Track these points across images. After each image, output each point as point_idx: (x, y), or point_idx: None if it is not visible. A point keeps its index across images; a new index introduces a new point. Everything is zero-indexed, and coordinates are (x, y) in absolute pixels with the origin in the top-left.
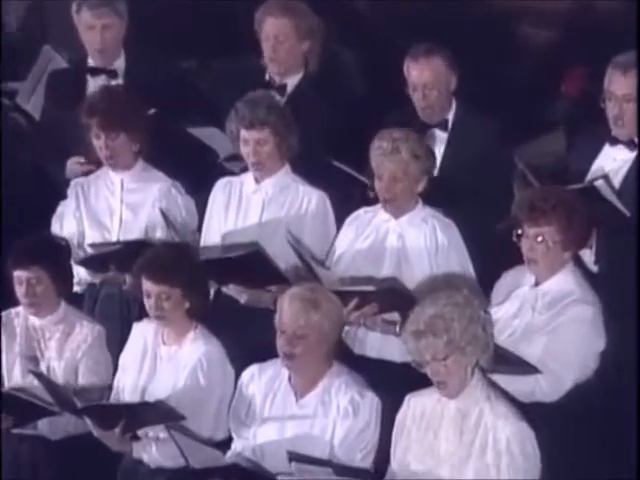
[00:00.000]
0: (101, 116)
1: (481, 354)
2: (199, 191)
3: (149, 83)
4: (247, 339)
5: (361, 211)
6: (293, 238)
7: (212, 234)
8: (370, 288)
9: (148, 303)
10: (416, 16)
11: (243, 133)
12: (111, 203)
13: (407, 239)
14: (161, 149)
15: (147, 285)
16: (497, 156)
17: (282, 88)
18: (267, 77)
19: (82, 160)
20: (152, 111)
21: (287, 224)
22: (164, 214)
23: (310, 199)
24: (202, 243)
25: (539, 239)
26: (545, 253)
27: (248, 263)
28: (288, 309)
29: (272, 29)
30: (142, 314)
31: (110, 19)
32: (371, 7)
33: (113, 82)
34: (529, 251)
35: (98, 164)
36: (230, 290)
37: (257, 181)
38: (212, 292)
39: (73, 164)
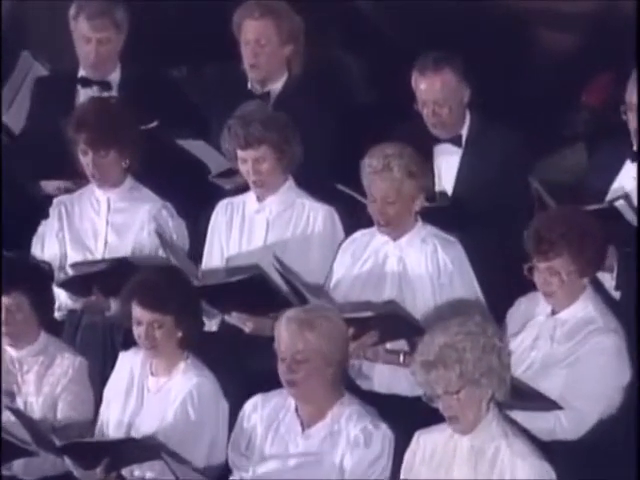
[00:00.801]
0: (90, 131)
1: (497, 387)
2: (191, 210)
3: (144, 95)
4: (252, 370)
5: (358, 234)
6: (280, 264)
7: (214, 258)
8: (368, 314)
9: (138, 331)
10: (425, 19)
11: (239, 152)
12: (96, 224)
13: (407, 262)
14: (151, 164)
15: (138, 312)
16: (515, 173)
17: (265, 96)
18: (249, 85)
19: (59, 184)
20: (154, 124)
21: (279, 247)
22: (161, 236)
23: (317, 215)
24: (203, 268)
25: (552, 272)
26: (561, 285)
27: (250, 288)
28: (284, 333)
29: (252, 32)
30: (127, 343)
31: (107, 33)
32: (375, 8)
33: (105, 94)
34: (543, 285)
35: (81, 179)
36: (233, 319)
37: (259, 199)
38: (216, 323)
39: (48, 185)
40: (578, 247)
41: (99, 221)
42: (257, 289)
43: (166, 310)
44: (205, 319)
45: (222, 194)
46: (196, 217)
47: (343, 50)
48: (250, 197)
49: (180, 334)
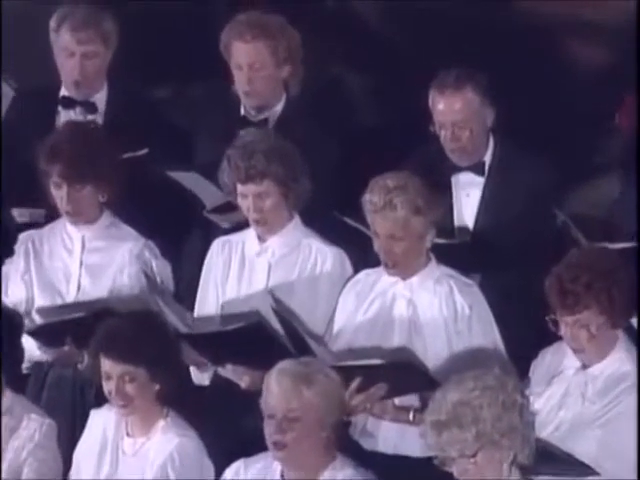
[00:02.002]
0: (65, 163)
1: (519, 448)
2: (180, 250)
3: (131, 119)
4: (247, 430)
5: (362, 274)
6: (281, 306)
7: (209, 303)
8: (377, 362)
9: (108, 387)
10: (441, 33)
11: (239, 187)
12: (68, 264)
13: (419, 305)
14: (133, 197)
15: (107, 365)
16: (543, 206)
17: (262, 124)
18: (242, 111)
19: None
20: (144, 151)
21: (281, 293)
22: (148, 278)
23: (325, 259)
24: (196, 314)
25: (579, 326)
26: (590, 340)
27: (248, 337)
28: (276, 388)
29: (244, 57)
30: (99, 401)
31: (93, 46)
32: (381, 19)
33: (90, 117)
34: (571, 340)
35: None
36: (228, 372)
37: (261, 239)
38: (209, 376)
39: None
40: (607, 297)
41: (72, 261)
42: (256, 339)
43: (138, 361)
44: (195, 371)
45: (217, 232)
46: (187, 258)
47: (346, 66)
48: (250, 236)
49: (157, 388)
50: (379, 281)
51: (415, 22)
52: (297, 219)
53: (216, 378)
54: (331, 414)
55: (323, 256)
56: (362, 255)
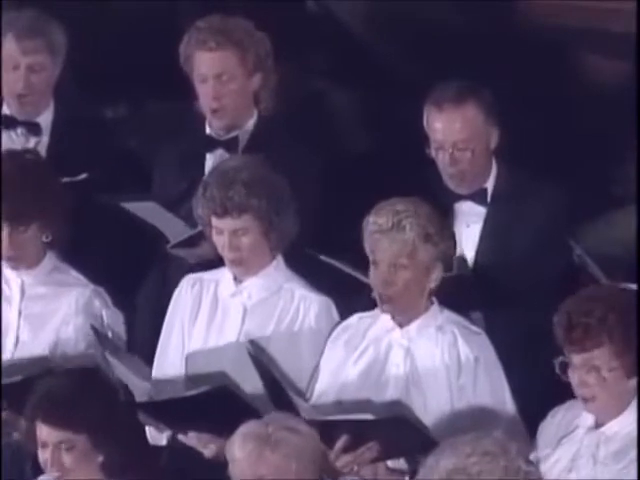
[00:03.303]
0: (8, 202)
1: None
2: (135, 296)
3: (78, 143)
4: None
5: (353, 318)
6: (260, 353)
7: (171, 356)
8: (367, 417)
9: (43, 457)
10: (440, 43)
11: (215, 220)
12: (6, 314)
13: (418, 355)
14: (82, 236)
15: (43, 431)
16: (553, 239)
17: (232, 143)
18: (207, 130)
19: None
20: (82, 176)
21: (263, 338)
22: (97, 332)
23: (308, 307)
24: (156, 366)
25: (589, 368)
26: (601, 387)
27: (214, 402)
28: (240, 455)
29: (210, 67)
30: (37, 473)
31: (41, 57)
32: (370, 28)
33: (33, 139)
34: (580, 386)
35: None
36: (191, 440)
37: (237, 280)
38: (167, 436)
39: None
40: (622, 336)
41: (9, 311)
42: (223, 404)
43: (78, 427)
44: (152, 431)
45: (178, 275)
46: (142, 307)
47: (329, 80)
48: (225, 275)
49: (100, 458)
50: (373, 327)
51: (411, 31)
52: (280, 260)
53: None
54: (308, 475)
55: (307, 304)
56: (352, 305)
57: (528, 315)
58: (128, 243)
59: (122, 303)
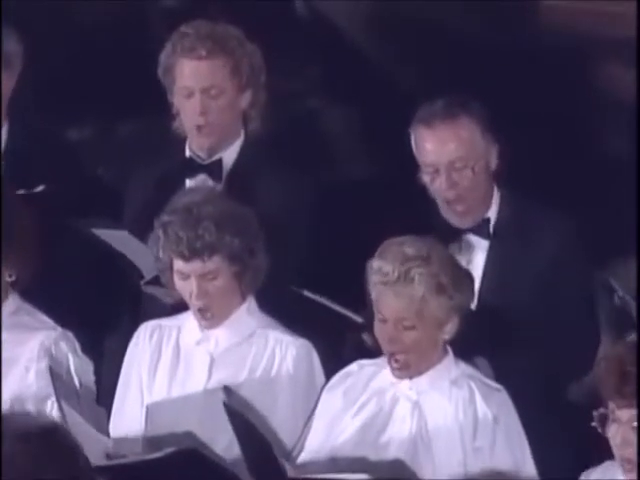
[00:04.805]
0: None
1: None
2: (106, 340)
3: (37, 166)
4: None
5: (354, 366)
6: (235, 401)
7: (129, 410)
8: (363, 477)
9: None
10: (439, 55)
11: (179, 264)
12: None
13: (427, 411)
14: (48, 272)
15: None
16: (567, 276)
17: (215, 167)
18: (187, 152)
19: None
20: (39, 188)
21: (233, 386)
22: (55, 375)
23: (285, 352)
24: (112, 423)
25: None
26: None
27: (180, 465)
28: None
29: (197, 79)
30: None
31: None
32: (370, 42)
33: None
34: (623, 446)
35: None
36: None
37: (202, 325)
38: None
39: None
40: None
41: None
42: (190, 467)
43: None
44: None
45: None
46: (111, 354)
47: (324, 97)
48: (188, 320)
49: None
50: (376, 377)
51: (414, 33)
52: (252, 302)
53: None
54: None
55: (283, 348)
56: (337, 348)
57: (544, 363)
58: (99, 277)
59: (92, 350)
